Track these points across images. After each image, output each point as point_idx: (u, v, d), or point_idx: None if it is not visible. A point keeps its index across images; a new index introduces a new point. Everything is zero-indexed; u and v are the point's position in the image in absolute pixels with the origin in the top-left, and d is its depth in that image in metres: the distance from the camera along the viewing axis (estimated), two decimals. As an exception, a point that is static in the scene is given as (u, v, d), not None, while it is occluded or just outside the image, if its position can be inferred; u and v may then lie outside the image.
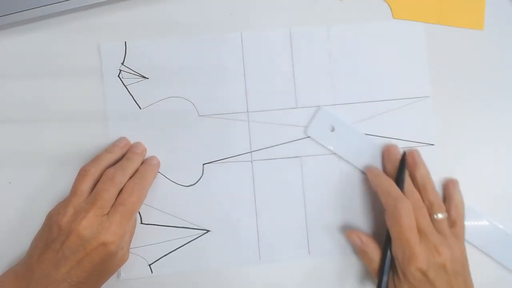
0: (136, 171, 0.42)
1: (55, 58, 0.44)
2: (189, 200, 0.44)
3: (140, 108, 0.44)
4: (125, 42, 0.44)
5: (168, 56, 0.44)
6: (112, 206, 0.39)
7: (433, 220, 0.40)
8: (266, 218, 0.44)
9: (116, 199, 0.39)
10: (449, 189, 0.44)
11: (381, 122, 0.45)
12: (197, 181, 0.44)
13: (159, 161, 0.44)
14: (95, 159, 0.41)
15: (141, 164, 0.43)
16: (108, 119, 0.44)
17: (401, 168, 0.42)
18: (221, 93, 0.44)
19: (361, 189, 0.45)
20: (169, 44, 0.44)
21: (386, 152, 0.44)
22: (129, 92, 0.44)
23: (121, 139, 0.44)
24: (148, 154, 0.44)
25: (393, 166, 0.43)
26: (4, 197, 0.44)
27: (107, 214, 0.39)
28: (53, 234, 0.38)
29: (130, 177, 0.41)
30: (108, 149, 0.42)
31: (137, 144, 0.44)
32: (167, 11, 0.44)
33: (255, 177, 0.44)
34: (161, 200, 0.44)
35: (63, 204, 0.39)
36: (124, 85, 0.44)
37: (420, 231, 0.39)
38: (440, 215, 0.41)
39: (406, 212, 0.39)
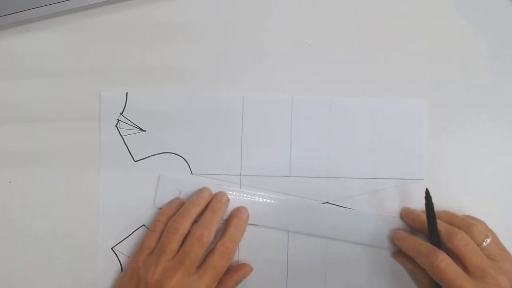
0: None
1: (55, 58, 0.44)
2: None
3: (135, 161, 0.44)
4: (127, 92, 0.44)
5: (168, 109, 0.44)
6: (202, 265, 0.39)
7: (482, 249, 0.39)
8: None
9: (206, 258, 0.40)
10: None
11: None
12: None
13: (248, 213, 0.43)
14: (183, 213, 0.41)
15: (230, 218, 0.42)
16: (101, 165, 0.44)
17: (430, 215, 0.40)
18: (216, 153, 0.44)
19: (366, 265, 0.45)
20: (171, 97, 0.44)
21: (403, 213, 0.44)
22: (125, 143, 0.44)
23: (205, 190, 0.43)
24: (137, 211, 0.44)
25: (416, 222, 0.42)
26: (4, 197, 0.44)
27: (197, 273, 0.39)
28: None
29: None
30: (194, 201, 0.42)
31: (222, 194, 0.43)
32: (173, 57, 0.44)
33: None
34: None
35: (151, 261, 0.39)
36: (121, 135, 0.44)
37: (476, 269, 0.37)
38: (487, 240, 0.39)
39: (444, 263, 0.37)
